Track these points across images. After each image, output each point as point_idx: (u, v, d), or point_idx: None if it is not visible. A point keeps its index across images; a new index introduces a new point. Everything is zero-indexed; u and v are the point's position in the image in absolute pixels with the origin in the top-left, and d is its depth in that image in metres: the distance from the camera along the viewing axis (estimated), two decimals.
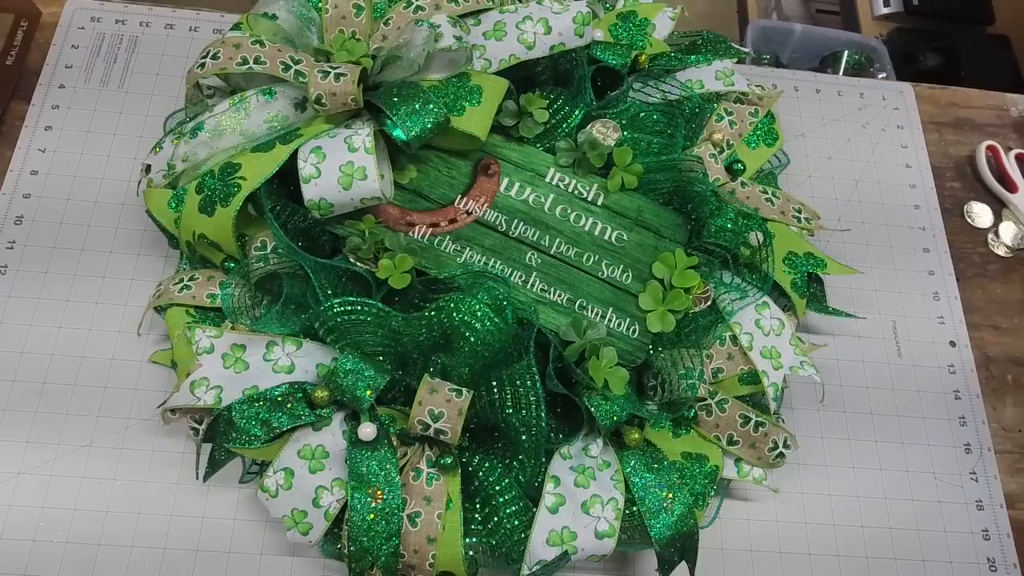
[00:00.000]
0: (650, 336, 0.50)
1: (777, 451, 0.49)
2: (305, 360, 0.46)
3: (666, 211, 0.53)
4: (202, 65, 0.49)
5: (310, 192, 0.45)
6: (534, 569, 0.44)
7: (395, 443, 0.45)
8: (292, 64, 0.48)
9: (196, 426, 0.46)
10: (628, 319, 0.50)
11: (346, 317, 0.45)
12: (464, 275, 0.47)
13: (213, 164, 0.48)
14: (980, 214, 0.66)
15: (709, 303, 0.51)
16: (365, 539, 0.42)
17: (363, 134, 0.46)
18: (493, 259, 0.50)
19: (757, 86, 0.61)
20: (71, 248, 0.55)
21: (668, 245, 0.52)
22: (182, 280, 0.50)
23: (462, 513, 0.44)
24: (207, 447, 0.46)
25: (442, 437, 0.44)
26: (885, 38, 1.31)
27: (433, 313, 0.44)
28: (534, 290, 0.49)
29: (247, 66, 0.48)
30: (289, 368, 0.46)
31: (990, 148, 0.68)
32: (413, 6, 0.52)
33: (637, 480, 0.46)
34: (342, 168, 0.45)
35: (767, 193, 0.57)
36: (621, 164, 0.52)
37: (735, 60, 0.61)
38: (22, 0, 0.61)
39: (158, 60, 0.62)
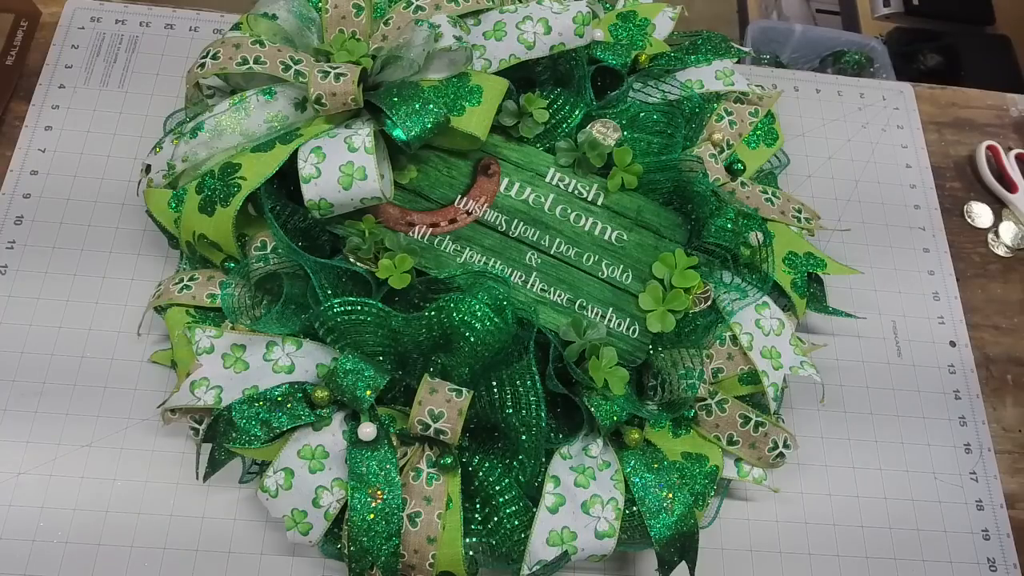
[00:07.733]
0: (650, 336, 0.50)
1: (777, 451, 0.49)
2: (305, 360, 0.46)
3: (666, 211, 0.53)
4: (202, 65, 0.49)
5: (310, 192, 0.45)
6: (534, 569, 0.44)
7: (395, 443, 0.45)
8: (292, 64, 0.48)
9: (196, 426, 0.46)
10: (628, 319, 0.50)
11: (346, 317, 0.45)
12: (464, 275, 0.47)
13: (213, 164, 0.48)
14: (980, 214, 0.66)
15: (709, 303, 0.51)
16: (365, 539, 0.42)
17: (363, 134, 0.46)
18: (493, 259, 0.50)
19: (757, 86, 0.61)
20: (71, 248, 0.55)
21: (668, 245, 0.52)
22: (182, 280, 0.50)
23: (462, 513, 0.44)
24: (207, 447, 0.46)
25: (442, 437, 0.44)
26: (885, 38, 1.31)
27: (433, 313, 0.44)
28: (534, 290, 0.49)
29: (247, 66, 0.48)
30: (289, 368, 0.46)
31: (990, 148, 0.68)
32: (413, 6, 0.52)
33: (637, 480, 0.46)
34: (342, 168, 0.45)
35: (767, 193, 0.57)
36: (621, 164, 0.52)
37: (735, 60, 0.61)
38: (22, 0, 0.61)
39: (158, 60, 0.62)
